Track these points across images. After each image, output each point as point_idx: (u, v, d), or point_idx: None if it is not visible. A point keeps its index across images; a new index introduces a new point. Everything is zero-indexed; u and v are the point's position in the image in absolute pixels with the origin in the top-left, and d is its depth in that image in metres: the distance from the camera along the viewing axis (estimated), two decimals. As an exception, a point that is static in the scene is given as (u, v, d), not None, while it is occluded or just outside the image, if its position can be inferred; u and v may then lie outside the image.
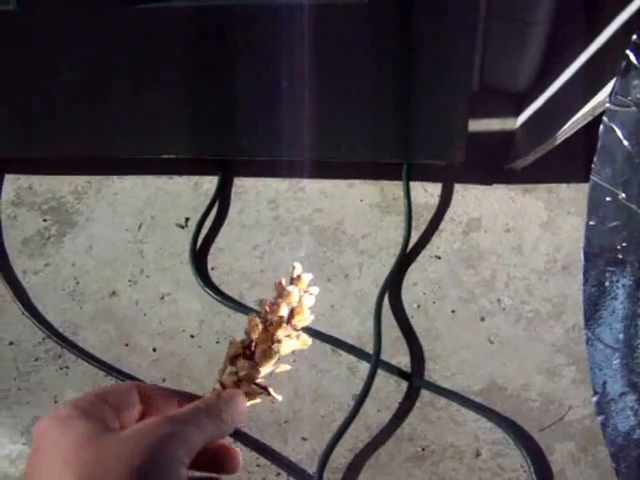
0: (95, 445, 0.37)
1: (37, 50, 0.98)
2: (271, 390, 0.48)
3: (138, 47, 0.97)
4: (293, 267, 0.51)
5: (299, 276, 0.50)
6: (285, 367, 0.49)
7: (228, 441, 0.90)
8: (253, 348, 0.48)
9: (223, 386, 0.47)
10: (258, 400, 0.48)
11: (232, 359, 0.48)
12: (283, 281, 0.50)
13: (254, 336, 0.48)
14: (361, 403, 0.90)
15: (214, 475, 0.45)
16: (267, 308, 0.49)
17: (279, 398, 0.48)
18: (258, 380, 0.48)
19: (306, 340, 0.50)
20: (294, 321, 0.49)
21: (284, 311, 0.49)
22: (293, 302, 0.49)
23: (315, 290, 0.51)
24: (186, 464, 0.38)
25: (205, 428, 0.41)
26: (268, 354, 0.47)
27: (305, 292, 0.50)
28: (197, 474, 0.44)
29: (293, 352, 0.49)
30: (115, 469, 0.36)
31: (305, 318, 0.50)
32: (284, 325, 0.49)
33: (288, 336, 0.49)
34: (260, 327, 0.49)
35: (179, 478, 0.38)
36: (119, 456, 0.37)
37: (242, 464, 0.45)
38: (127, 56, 0.99)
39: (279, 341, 0.48)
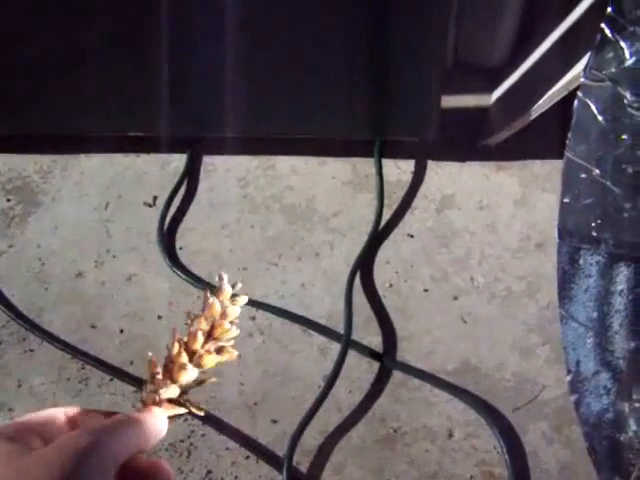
0: (14, 465, 0.37)
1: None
2: (192, 408, 0.47)
3: (104, 21, 0.95)
4: (219, 277, 0.50)
5: (221, 287, 0.49)
6: (212, 380, 0.48)
7: (197, 423, 0.89)
8: (172, 364, 0.47)
9: (145, 405, 0.46)
10: (183, 411, 0.47)
11: (151, 377, 0.47)
12: (208, 292, 0.49)
13: (174, 351, 0.47)
14: (332, 384, 0.89)
15: None
16: (189, 321, 0.48)
17: (201, 414, 0.47)
18: (182, 395, 0.46)
19: (232, 353, 0.48)
20: (215, 334, 0.48)
21: (203, 324, 0.48)
22: (215, 314, 0.48)
23: (243, 300, 0.49)
24: (110, 474, 0.38)
25: (125, 438, 0.40)
26: (184, 371, 0.46)
27: (231, 302, 0.49)
28: None
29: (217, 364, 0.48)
30: None
31: (226, 330, 0.48)
32: (200, 340, 0.47)
33: (208, 351, 0.47)
34: (181, 342, 0.47)
35: None
36: (39, 472, 0.36)
37: (174, 478, 0.44)
38: (93, 30, 0.96)
39: (200, 356, 0.47)
